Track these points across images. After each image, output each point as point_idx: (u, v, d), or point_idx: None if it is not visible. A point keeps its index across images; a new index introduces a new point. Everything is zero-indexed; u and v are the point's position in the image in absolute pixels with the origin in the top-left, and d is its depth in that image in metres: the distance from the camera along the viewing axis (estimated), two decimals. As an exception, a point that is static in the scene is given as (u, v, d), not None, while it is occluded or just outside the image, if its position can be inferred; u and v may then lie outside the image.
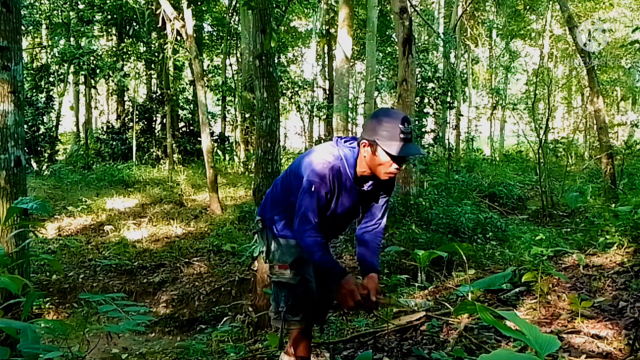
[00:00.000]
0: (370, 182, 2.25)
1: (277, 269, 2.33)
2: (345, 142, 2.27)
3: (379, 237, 2.40)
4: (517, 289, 3.74)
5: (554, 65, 23.52)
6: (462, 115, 18.46)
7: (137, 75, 18.61)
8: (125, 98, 19.30)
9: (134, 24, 16.03)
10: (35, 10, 16.27)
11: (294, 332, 2.40)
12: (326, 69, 23.64)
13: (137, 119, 16.97)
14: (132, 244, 8.06)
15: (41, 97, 15.83)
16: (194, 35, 10.59)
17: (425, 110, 11.66)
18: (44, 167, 14.70)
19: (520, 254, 4.94)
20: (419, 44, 15.09)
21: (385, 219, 2.42)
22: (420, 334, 3.19)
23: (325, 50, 23.40)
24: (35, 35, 19.00)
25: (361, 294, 2.15)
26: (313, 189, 2.13)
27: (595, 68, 9.16)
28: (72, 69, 15.19)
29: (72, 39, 15.98)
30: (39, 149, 15.31)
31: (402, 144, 2.05)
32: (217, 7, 19.39)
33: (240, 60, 18.04)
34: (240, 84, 15.69)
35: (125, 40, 16.55)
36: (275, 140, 4.52)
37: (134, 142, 16.29)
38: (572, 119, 27.53)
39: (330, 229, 2.32)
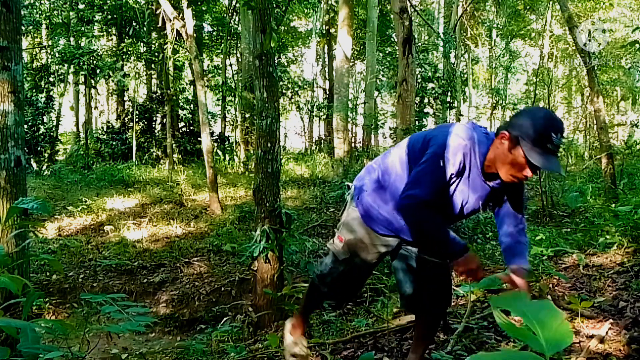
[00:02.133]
0: (499, 180, 2.01)
1: (335, 237, 2.32)
2: (481, 129, 2.04)
3: (524, 235, 2.14)
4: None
5: (554, 65, 23.52)
6: (462, 115, 18.46)
7: (137, 75, 18.60)
8: (125, 98, 19.30)
9: (134, 24, 16.02)
10: (35, 10, 16.28)
11: (307, 303, 2.50)
12: (326, 69, 23.65)
13: (137, 119, 16.97)
14: (132, 244, 8.06)
15: (41, 97, 15.84)
16: (194, 35, 10.59)
17: (425, 110, 11.67)
18: (44, 167, 14.70)
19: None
20: (419, 44, 15.10)
21: (522, 213, 2.16)
22: (420, 334, 3.18)
23: (325, 50, 23.42)
24: (35, 35, 19.00)
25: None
26: (441, 162, 1.91)
27: (595, 68, 9.15)
28: (72, 69, 15.20)
29: (72, 39, 15.99)
30: (39, 149, 15.32)
31: (547, 154, 1.82)
32: (217, 7, 19.38)
33: (240, 60, 18.05)
34: (240, 84, 15.69)
35: (125, 40, 16.55)
36: (275, 140, 4.52)
37: (134, 142, 16.29)
38: (572, 119, 27.53)
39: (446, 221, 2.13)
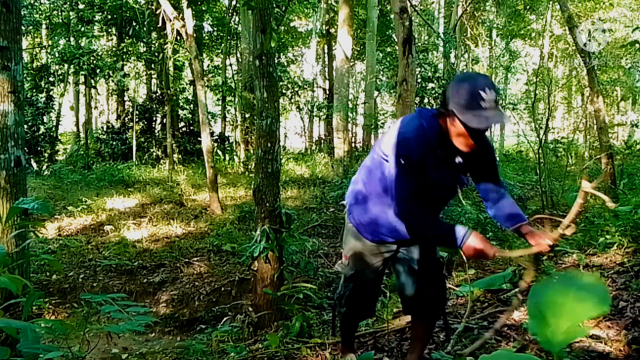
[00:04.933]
0: (460, 157, 2.06)
1: (343, 257, 2.43)
2: (428, 113, 2.09)
3: (508, 195, 2.21)
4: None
5: (554, 65, 23.51)
6: (462, 115, 18.40)
7: (137, 75, 18.60)
8: (125, 98, 19.30)
9: (134, 24, 16.02)
10: (35, 10, 16.27)
11: (341, 330, 2.61)
12: (326, 69, 23.63)
13: (137, 119, 16.97)
14: (132, 244, 8.06)
15: (41, 97, 15.84)
16: (194, 35, 10.59)
17: (425, 110, 11.66)
18: (44, 167, 14.70)
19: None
20: (419, 44, 15.08)
21: (502, 185, 2.21)
22: (420, 334, 3.19)
23: (325, 50, 23.40)
24: (35, 35, 19.00)
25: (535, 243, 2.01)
26: (403, 162, 1.98)
27: (595, 68, 9.15)
28: (72, 69, 15.20)
29: (72, 39, 15.99)
30: (39, 149, 15.32)
31: (484, 113, 1.82)
32: (217, 7, 19.37)
33: (240, 60, 18.04)
34: (240, 84, 15.69)
35: (125, 40, 16.55)
36: (275, 140, 4.51)
37: (134, 142, 16.29)
38: (572, 119, 27.52)
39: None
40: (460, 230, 1.96)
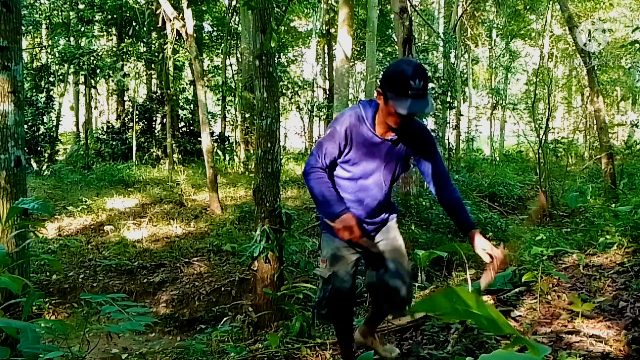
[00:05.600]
0: (394, 135, 2.21)
1: (320, 262, 2.50)
2: (367, 101, 2.31)
3: (455, 191, 2.33)
4: (517, 289, 3.75)
5: (554, 65, 23.51)
6: (462, 115, 18.45)
7: (137, 75, 18.60)
8: (125, 98, 19.30)
9: (134, 24, 16.01)
10: (35, 10, 16.27)
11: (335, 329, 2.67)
12: (326, 69, 23.62)
13: (137, 119, 16.97)
14: (132, 244, 8.06)
15: (41, 97, 15.83)
16: (194, 35, 10.59)
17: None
18: (44, 167, 14.70)
19: (520, 254, 4.94)
20: (419, 44, 15.09)
21: (445, 170, 2.35)
22: (420, 334, 3.19)
23: (325, 50, 23.39)
24: (35, 35, 19.00)
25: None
26: (329, 132, 2.21)
27: (595, 68, 9.15)
28: (72, 69, 15.20)
29: (72, 39, 15.98)
30: (39, 149, 15.31)
31: (411, 100, 2.00)
32: (217, 7, 19.38)
33: (240, 60, 18.04)
34: (240, 84, 15.69)
35: (125, 40, 16.54)
36: (275, 140, 4.52)
37: (134, 142, 16.29)
38: (572, 119, 27.52)
39: (366, 191, 2.31)
40: (341, 205, 2.18)
